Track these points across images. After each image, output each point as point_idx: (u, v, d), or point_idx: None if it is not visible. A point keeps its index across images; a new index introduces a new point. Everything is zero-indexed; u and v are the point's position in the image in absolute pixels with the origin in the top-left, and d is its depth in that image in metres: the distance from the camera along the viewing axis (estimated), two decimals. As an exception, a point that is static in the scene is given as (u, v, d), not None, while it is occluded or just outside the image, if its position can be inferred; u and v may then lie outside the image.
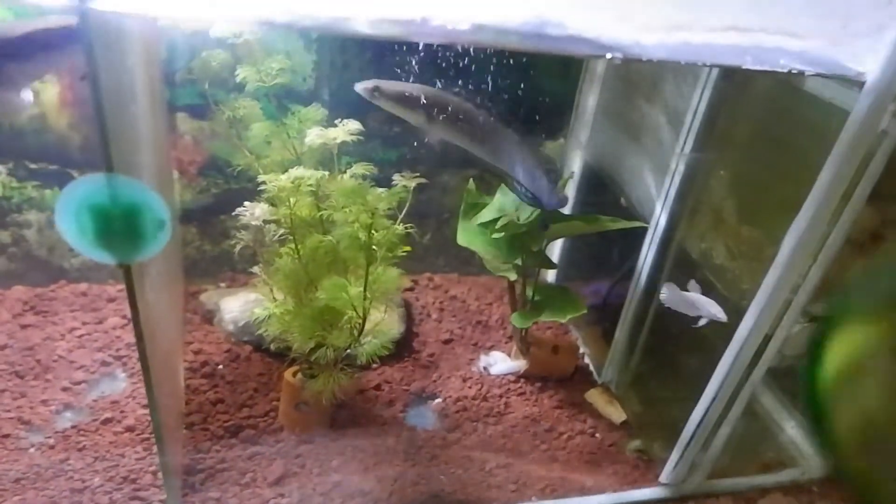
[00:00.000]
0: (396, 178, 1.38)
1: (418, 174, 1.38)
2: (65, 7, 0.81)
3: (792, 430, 1.86)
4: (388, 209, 1.34)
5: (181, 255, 2.11)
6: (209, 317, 2.02)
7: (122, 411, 1.68)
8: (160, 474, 1.51)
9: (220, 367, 1.85)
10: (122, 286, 2.07)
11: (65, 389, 1.72)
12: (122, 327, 1.95)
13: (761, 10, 0.97)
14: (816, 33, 1.02)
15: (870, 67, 1.06)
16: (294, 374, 1.65)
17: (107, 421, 1.65)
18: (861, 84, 1.08)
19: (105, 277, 2.09)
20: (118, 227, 0.98)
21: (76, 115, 1.86)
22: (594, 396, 1.94)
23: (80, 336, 1.90)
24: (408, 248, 1.39)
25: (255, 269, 1.52)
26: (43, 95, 1.83)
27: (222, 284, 2.17)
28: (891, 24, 1.02)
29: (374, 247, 1.31)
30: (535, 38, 0.93)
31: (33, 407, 1.66)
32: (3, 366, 1.76)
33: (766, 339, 1.41)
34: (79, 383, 1.75)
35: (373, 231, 1.29)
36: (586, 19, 0.93)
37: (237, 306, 1.96)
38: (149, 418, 1.67)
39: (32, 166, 1.91)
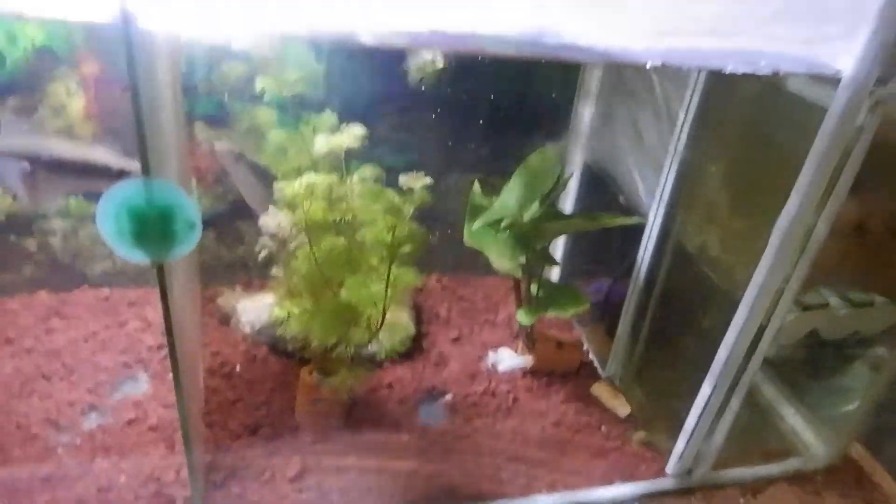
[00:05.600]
0: (402, 179, 1.46)
1: (424, 174, 1.46)
2: (109, 24, 0.89)
3: (792, 419, 1.91)
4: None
5: (198, 260, 2.19)
6: (226, 320, 2.09)
7: (144, 411, 1.76)
8: (184, 472, 1.57)
9: (238, 368, 1.93)
10: (142, 290, 2.17)
11: (90, 391, 1.80)
12: (143, 330, 2.03)
13: (741, 16, 1.05)
14: (793, 36, 1.09)
15: (844, 66, 1.13)
16: (310, 373, 1.72)
17: (131, 421, 1.73)
18: (837, 82, 1.15)
19: (126, 282, 2.17)
20: (153, 228, 1.06)
21: (101, 126, 1.94)
22: (599, 390, 2.01)
23: (103, 339, 1.98)
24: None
25: (275, 270, 1.59)
26: (70, 107, 1.91)
27: (238, 288, 2.24)
28: (862, 25, 1.10)
29: (397, 246, 1.39)
30: (533, 46, 1.01)
31: (60, 408, 1.74)
32: (30, 368, 1.84)
33: (762, 329, 1.47)
34: (103, 385, 1.83)
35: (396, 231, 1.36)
36: (580, 28, 1.01)
37: (253, 309, 2.04)
38: (171, 418, 1.74)
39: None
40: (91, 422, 1.72)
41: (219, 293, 2.18)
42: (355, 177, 1.49)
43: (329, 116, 1.54)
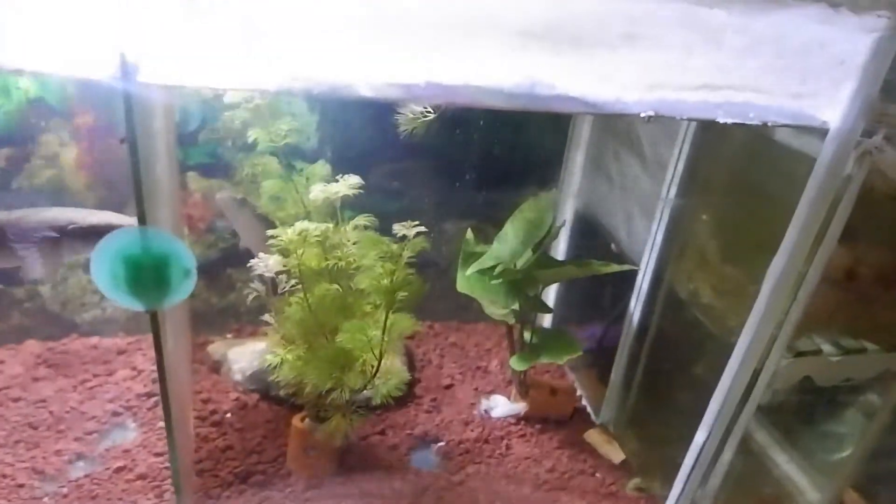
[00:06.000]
0: (397, 226, 1.47)
1: (418, 223, 1.47)
2: (109, 77, 0.90)
3: (787, 466, 1.90)
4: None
5: (188, 308, 2.17)
6: (216, 367, 2.07)
7: (133, 460, 1.73)
8: (174, 520, 1.55)
9: (229, 415, 1.90)
10: (132, 339, 2.16)
11: (77, 440, 1.77)
12: (132, 378, 2.00)
13: (729, 70, 1.08)
14: (780, 89, 1.13)
15: (831, 118, 1.17)
16: (302, 420, 1.70)
17: (119, 469, 1.70)
18: (824, 133, 1.19)
19: (115, 331, 2.15)
20: (149, 275, 1.06)
21: (93, 176, 1.95)
22: (593, 437, 1.99)
23: (92, 388, 1.95)
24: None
25: (267, 316, 1.59)
26: (62, 157, 1.93)
27: (229, 336, 2.23)
28: (846, 80, 1.13)
29: (395, 292, 1.39)
30: (527, 98, 1.04)
31: (46, 457, 1.70)
32: (16, 417, 1.81)
33: (756, 375, 1.47)
34: (91, 433, 1.80)
35: (393, 277, 1.37)
36: (573, 80, 1.04)
37: (245, 356, 2.02)
38: (160, 466, 1.71)
39: (48, 225, 1.99)
40: (78, 470, 1.69)
41: (209, 341, 2.16)
42: (350, 225, 1.50)
43: (322, 166, 1.56)
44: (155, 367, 2.04)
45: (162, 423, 1.86)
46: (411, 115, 1.74)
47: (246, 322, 2.26)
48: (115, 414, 1.87)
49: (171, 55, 0.93)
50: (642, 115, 1.07)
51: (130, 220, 1.49)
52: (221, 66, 0.97)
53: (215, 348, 2.11)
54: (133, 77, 0.89)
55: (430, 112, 1.73)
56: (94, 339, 2.13)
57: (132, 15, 0.89)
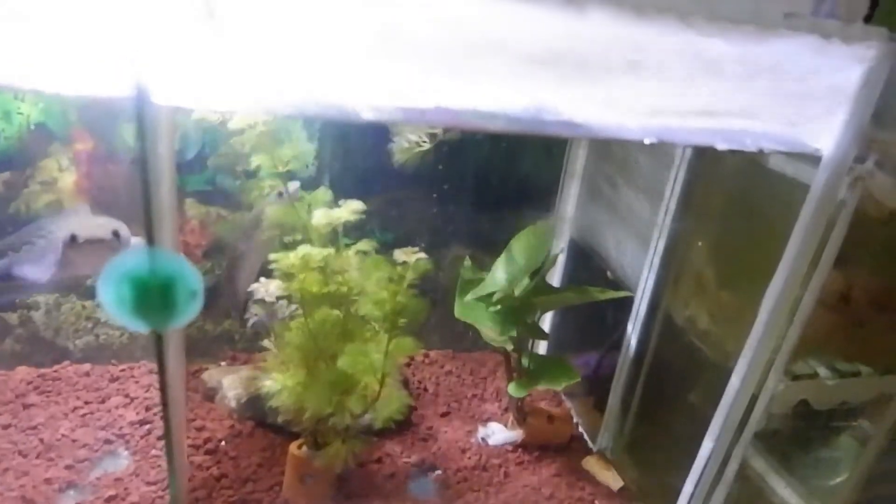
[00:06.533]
0: (397, 253, 1.49)
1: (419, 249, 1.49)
2: (122, 97, 0.91)
3: (783, 491, 1.90)
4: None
5: (182, 335, 2.15)
6: (211, 395, 2.05)
7: (125, 489, 1.70)
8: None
9: (223, 443, 1.88)
10: (125, 366, 2.13)
11: (68, 468, 1.74)
12: (125, 406, 1.98)
13: (728, 97, 1.12)
14: (776, 117, 1.16)
15: (825, 144, 1.20)
16: (299, 447, 1.69)
17: (111, 498, 1.66)
18: (818, 160, 1.22)
19: (108, 357, 2.13)
20: (155, 296, 1.05)
21: (91, 201, 1.95)
22: (591, 464, 1.99)
23: (84, 415, 1.92)
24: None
25: (266, 342, 1.58)
26: (61, 182, 1.93)
27: (223, 363, 2.21)
28: (839, 108, 1.17)
29: (397, 314, 1.40)
30: (533, 123, 1.06)
31: (36, 486, 1.67)
32: (6, 445, 1.77)
33: (754, 399, 1.48)
34: (82, 461, 1.77)
35: (397, 299, 1.38)
36: (578, 106, 1.07)
37: (240, 383, 2.00)
38: (153, 496, 1.69)
39: (44, 250, 1.98)
40: (69, 499, 1.66)
41: (203, 368, 2.14)
42: (352, 250, 1.51)
43: (325, 192, 1.58)
44: (148, 395, 2.04)
45: (155, 451, 1.84)
46: (406, 145, 1.77)
47: (242, 348, 2.24)
48: (108, 441, 1.84)
49: (183, 76, 0.94)
50: (646, 141, 1.10)
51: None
52: (233, 89, 0.98)
53: (209, 375, 2.09)
54: (147, 95, 0.90)
55: (425, 142, 1.76)
56: (87, 366, 2.10)
57: (146, 34, 0.90)
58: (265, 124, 1.56)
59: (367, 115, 1.03)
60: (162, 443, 1.86)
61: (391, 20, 0.97)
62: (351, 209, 1.51)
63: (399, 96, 1.02)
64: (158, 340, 1.12)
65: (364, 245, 1.56)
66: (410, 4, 0.97)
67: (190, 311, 1.12)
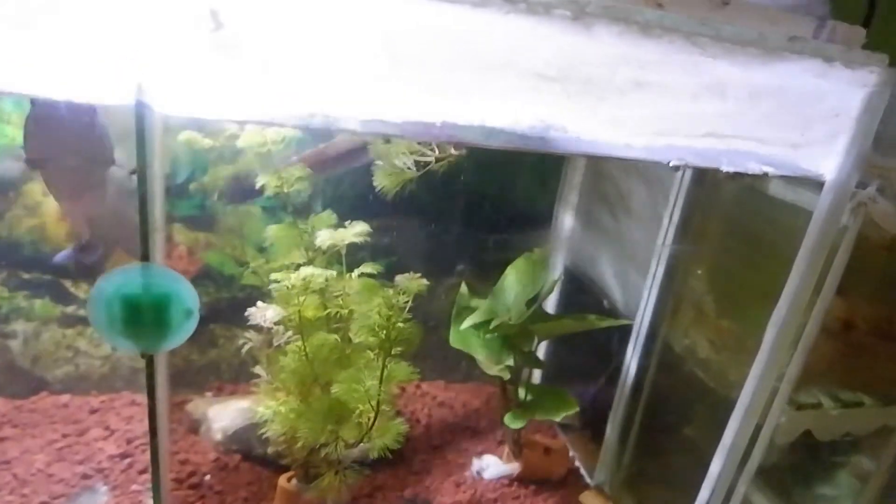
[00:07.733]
0: (398, 278, 1.45)
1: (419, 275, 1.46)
2: (122, 105, 0.89)
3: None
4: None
5: (166, 365, 2.09)
6: (195, 426, 1.98)
7: (104, 526, 1.62)
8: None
9: (208, 476, 1.80)
10: (105, 397, 2.06)
11: (43, 504, 1.65)
12: (104, 439, 1.90)
13: (734, 119, 1.12)
14: (779, 140, 1.16)
15: (827, 169, 1.20)
16: (289, 480, 1.62)
17: (88, 536, 1.59)
18: (819, 185, 1.22)
19: (88, 388, 2.06)
20: (147, 315, 1.01)
21: (74, 226, 1.90)
22: (588, 499, 1.93)
23: (60, 448, 1.84)
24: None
25: (258, 369, 1.53)
26: (44, 207, 1.88)
27: (208, 394, 2.14)
28: (841, 132, 1.18)
29: (392, 340, 1.36)
30: (540, 141, 1.05)
31: (9, 523, 1.59)
32: (-22, 480, 1.69)
33: (758, 429, 1.45)
34: (57, 497, 1.68)
35: (391, 325, 1.35)
36: (585, 124, 1.06)
37: (226, 415, 1.94)
38: (132, 533, 1.61)
39: (26, 276, 1.93)
40: (43, 538, 1.58)
41: (187, 399, 2.07)
42: (356, 272, 1.48)
43: (329, 215, 1.56)
44: (129, 427, 1.96)
45: (136, 486, 1.76)
46: (390, 171, 1.73)
47: (229, 378, 2.17)
48: (85, 476, 1.76)
49: (187, 86, 0.92)
50: (671, 163, 1.09)
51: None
52: (238, 100, 0.96)
53: (194, 407, 2.02)
54: (148, 106, 0.87)
55: (410, 168, 1.73)
56: (66, 398, 2.02)
57: (149, 43, 0.88)
58: (273, 143, 1.53)
59: (376, 129, 1.01)
60: (143, 477, 1.78)
61: (399, 36, 0.95)
62: (355, 232, 1.49)
63: (407, 111, 1.01)
64: (149, 364, 1.07)
65: (368, 267, 1.53)
66: (418, 20, 0.96)
67: (184, 330, 1.08)
